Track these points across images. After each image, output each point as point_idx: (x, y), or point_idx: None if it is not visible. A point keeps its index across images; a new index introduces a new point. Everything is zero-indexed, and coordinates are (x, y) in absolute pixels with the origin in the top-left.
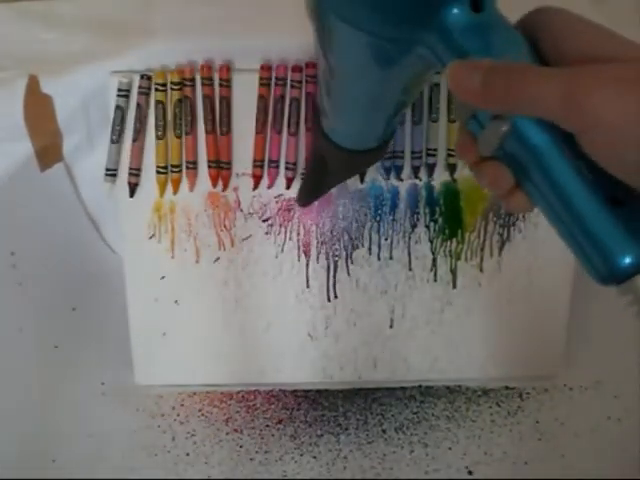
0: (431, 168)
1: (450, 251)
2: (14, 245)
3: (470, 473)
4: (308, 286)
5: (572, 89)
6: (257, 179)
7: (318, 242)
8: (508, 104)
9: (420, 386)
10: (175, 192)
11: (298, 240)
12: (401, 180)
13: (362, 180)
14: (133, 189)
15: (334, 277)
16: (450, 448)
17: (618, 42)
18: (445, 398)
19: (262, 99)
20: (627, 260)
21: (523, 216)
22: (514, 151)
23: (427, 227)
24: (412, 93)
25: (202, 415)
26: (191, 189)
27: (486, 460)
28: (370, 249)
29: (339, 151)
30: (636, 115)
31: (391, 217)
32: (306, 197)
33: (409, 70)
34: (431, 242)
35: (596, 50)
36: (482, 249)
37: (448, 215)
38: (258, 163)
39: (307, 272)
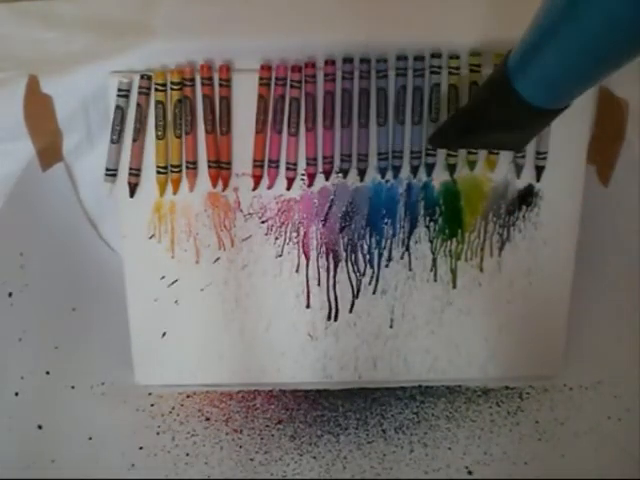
0: (430, 168)
1: (450, 251)
2: (22, 246)
3: (470, 473)
4: (308, 286)
5: None
6: (257, 179)
7: (318, 242)
8: None
9: (420, 386)
10: (175, 192)
11: (298, 240)
12: (401, 180)
13: (362, 179)
14: (133, 189)
15: (334, 277)
16: (450, 448)
17: None
18: (445, 398)
19: (262, 99)
20: None
21: (523, 216)
22: None
23: (427, 227)
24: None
25: (202, 415)
26: (191, 189)
27: (486, 460)
28: (370, 249)
29: (517, 100)
30: None
31: (391, 217)
32: (442, 137)
33: None
34: (431, 242)
35: None
36: (482, 249)
37: (448, 215)
38: (258, 163)
39: (307, 272)
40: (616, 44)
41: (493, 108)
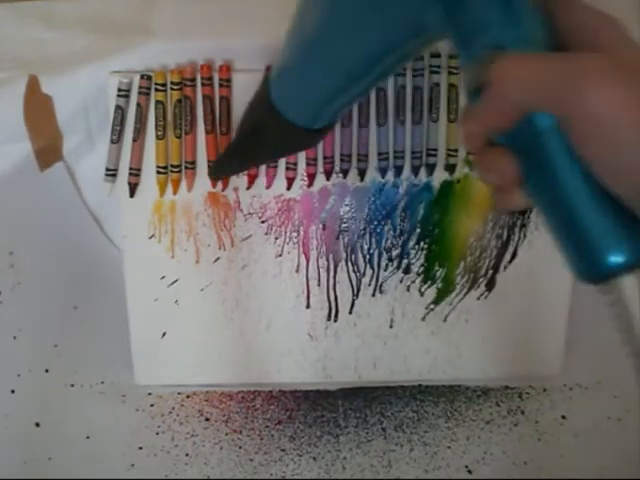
0: (431, 168)
1: (449, 251)
2: (13, 245)
3: (469, 472)
4: (308, 286)
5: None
6: (251, 178)
7: (318, 242)
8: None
9: (420, 385)
10: (175, 192)
11: (298, 240)
12: (401, 180)
13: (362, 179)
14: (133, 189)
15: (334, 277)
16: (449, 447)
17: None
18: (445, 397)
19: None
20: (615, 259)
21: (524, 216)
22: (523, 134)
23: (427, 227)
24: (384, 73)
25: (201, 415)
26: (189, 189)
27: (485, 459)
28: (370, 249)
29: (282, 124)
30: (623, 105)
31: (391, 217)
32: (223, 170)
33: (401, 42)
34: (430, 242)
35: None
36: (482, 249)
37: (448, 215)
38: None
39: (307, 272)
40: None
41: (266, 134)
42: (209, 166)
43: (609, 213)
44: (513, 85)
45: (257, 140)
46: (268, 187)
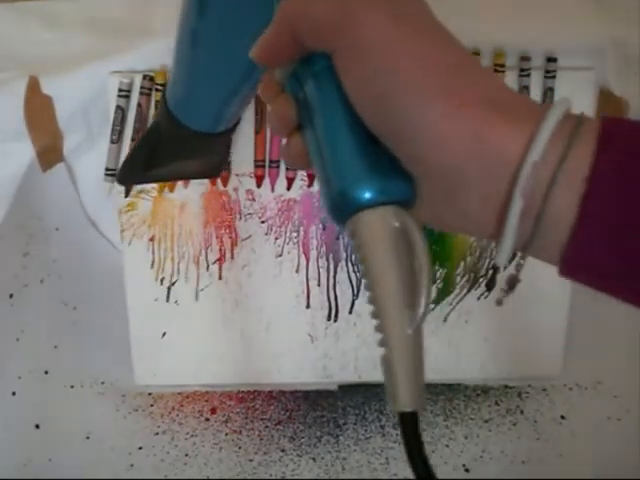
0: None
1: (449, 251)
2: (25, 246)
3: (467, 471)
4: (308, 286)
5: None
6: (259, 179)
7: (318, 242)
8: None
9: None
10: (171, 191)
11: (298, 240)
12: None
13: None
14: (129, 188)
15: (334, 277)
16: (448, 445)
17: None
18: (444, 396)
19: (260, 99)
20: (362, 193)
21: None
22: (300, 75)
23: (427, 227)
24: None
25: (201, 416)
26: (185, 188)
27: (484, 458)
28: None
29: (177, 126)
30: (387, 31)
31: None
32: (128, 174)
33: None
34: (430, 242)
35: None
36: (482, 249)
37: None
38: (259, 163)
39: (307, 272)
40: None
41: (162, 135)
42: (118, 174)
43: (365, 152)
44: (290, 12)
45: (157, 142)
46: (271, 187)
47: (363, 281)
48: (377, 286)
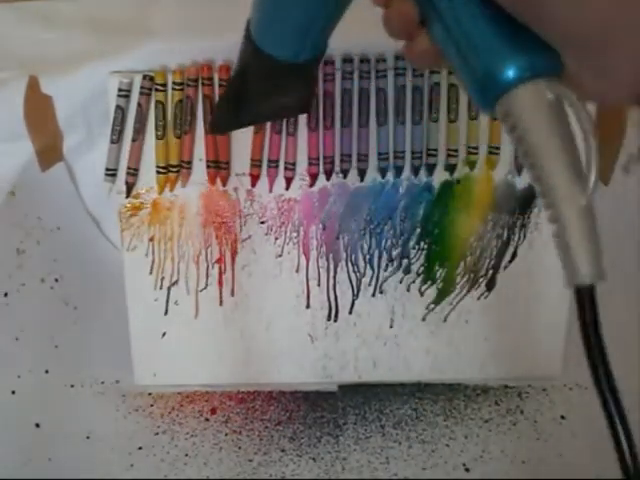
0: (431, 168)
1: (449, 251)
2: (21, 244)
3: (467, 471)
4: (308, 286)
5: None
6: (254, 178)
7: (318, 243)
8: None
9: (419, 383)
10: (172, 190)
11: (298, 240)
12: (401, 180)
13: (362, 179)
14: (130, 188)
15: (334, 277)
16: (448, 445)
17: None
18: (444, 396)
19: None
20: (510, 70)
21: (524, 216)
22: None
23: (427, 227)
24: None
25: (201, 416)
26: (184, 187)
27: (483, 458)
28: (370, 249)
29: (264, 59)
30: None
31: (391, 217)
32: (221, 122)
33: None
34: (430, 242)
35: None
36: (482, 249)
37: (448, 215)
38: (256, 163)
39: (307, 272)
40: None
41: (249, 74)
42: (210, 123)
43: (506, 31)
44: None
45: (244, 82)
46: (269, 188)
47: (525, 162)
48: (544, 161)
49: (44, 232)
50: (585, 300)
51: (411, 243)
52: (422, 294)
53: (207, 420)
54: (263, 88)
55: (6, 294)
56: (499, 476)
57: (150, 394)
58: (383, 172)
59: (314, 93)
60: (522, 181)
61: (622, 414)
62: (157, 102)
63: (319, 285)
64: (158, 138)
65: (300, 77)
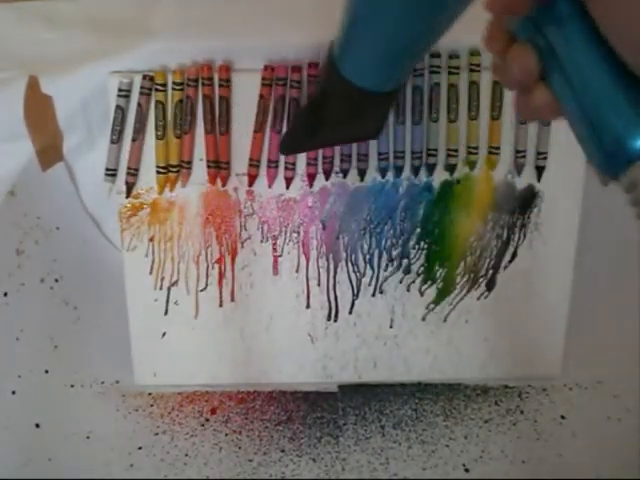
0: (431, 168)
1: (449, 251)
2: (20, 244)
3: (467, 471)
4: (308, 286)
5: None
6: (252, 178)
7: (318, 243)
8: None
9: (419, 383)
10: (172, 190)
11: (298, 240)
12: (401, 180)
13: (362, 179)
14: (130, 188)
15: (334, 277)
16: (447, 445)
17: None
18: (444, 396)
19: (262, 99)
20: (637, 142)
21: (523, 216)
22: (545, 20)
23: (427, 227)
24: (442, 30)
25: (201, 416)
26: (184, 187)
27: (483, 458)
28: (370, 249)
29: (348, 87)
30: None
31: (391, 217)
32: (292, 145)
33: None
34: (431, 242)
35: None
36: (482, 249)
37: (448, 215)
38: (254, 162)
39: (307, 272)
40: (415, 16)
41: (329, 99)
42: (281, 143)
43: (633, 97)
44: None
45: (324, 107)
46: (269, 187)
47: None
48: None
49: (43, 232)
50: None
51: (411, 243)
52: (422, 294)
53: (207, 420)
54: (343, 114)
55: (6, 294)
56: (499, 476)
57: (150, 394)
58: (383, 172)
59: (386, 120)
60: (522, 181)
61: None
62: (157, 102)
63: (319, 285)
64: (158, 138)
65: (381, 106)
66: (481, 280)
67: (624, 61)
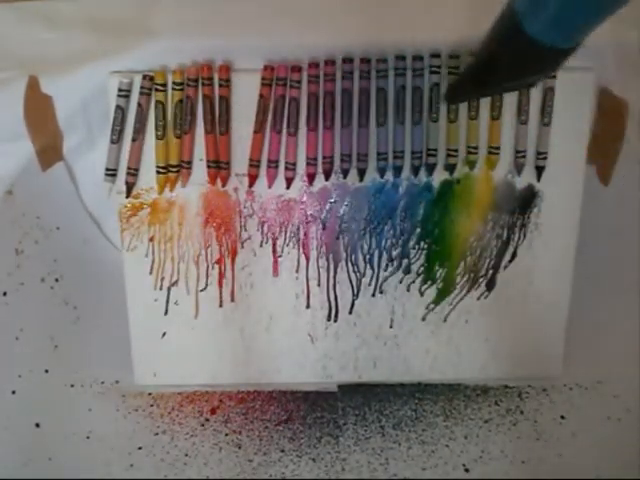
0: (431, 168)
1: (449, 251)
2: (19, 244)
3: (467, 471)
4: (308, 286)
5: None
6: (252, 178)
7: (318, 243)
8: None
9: (419, 383)
10: (172, 190)
11: (298, 240)
12: (401, 180)
13: (362, 179)
14: (130, 188)
15: (334, 277)
16: (447, 445)
17: None
18: (444, 396)
19: (262, 99)
20: None
21: (523, 216)
22: None
23: (427, 227)
24: None
25: (201, 416)
26: (184, 187)
27: (483, 458)
28: (370, 249)
29: (529, 43)
30: None
31: (391, 217)
32: (458, 94)
33: None
34: (431, 242)
35: None
36: (482, 249)
37: (448, 215)
38: (254, 163)
39: (307, 272)
40: None
41: (505, 54)
42: (446, 92)
43: None
44: None
45: (498, 59)
46: (269, 187)
47: None
48: None
49: (43, 232)
50: None
51: (411, 243)
52: (422, 294)
53: (207, 420)
54: (518, 68)
55: (5, 293)
56: (499, 476)
57: (150, 394)
58: (382, 172)
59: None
60: (522, 181)
61: None
62: (157, 102)
63: (319, 285)
64: (158, 138)
65: (557, 62)
66: (481, 280)
67: None
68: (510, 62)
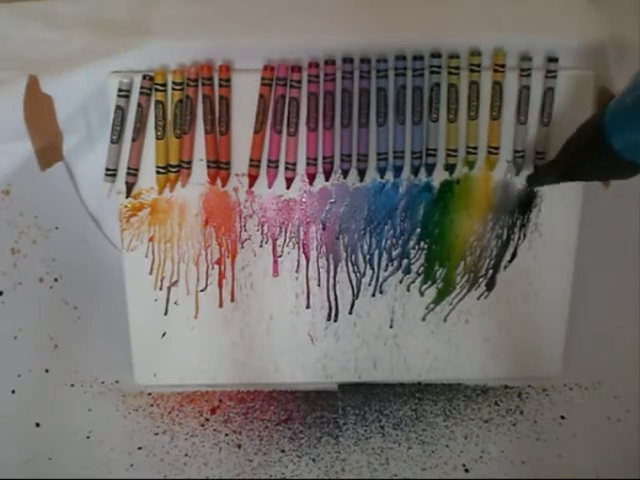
0: (431, 168)
1: (449, 251)
2: (15, 244)
3: (467, 471)
4: (308, 286)
5: None
6: (252, 178)
7: (318, 243)
8: None
9: (419, 383)
10: (172, 190)
11: (298, 240)
12: (401, 180)
13: (362, 179)
14: (130, 188)
15: (334, 277)
16: (447, 446)
17: None
18: (444, 396)
19: (262, 99)
20: None
21: (523, 216)
22: None
23: (427, 227)
24: None
25: (201, 416)
26: (184, 187)
27: (483, 458)
28: (370, 249)
29: (613, 157)
30: None
31: (391, 217)
32: (542, 181)
33: None
34: (431, 242)
35: None
36: (482, 249)
37: (448, 215)
38: (254, 163)
39: (307, 272)
40: None
41: (587, 159)
42: (528, 178)
43: None
44: None
45: (581, 167)
46: (269, 187)
47: None
48: None
49: (42, 231)
50: None
51: (411, 243)
52: (422, 294)
53: (207, 420)
54: (598, 172)
55: (1, 293)
56: (499, 476)
57: (150, 394)
58: (382, 172)
59: None
60: (521, 181)
61: None
62: (157, 102)
63: (319, 285)
64: (158, 138)
65: (635, 172)
66: (481, 280)
67: None
68: (594, 169)
